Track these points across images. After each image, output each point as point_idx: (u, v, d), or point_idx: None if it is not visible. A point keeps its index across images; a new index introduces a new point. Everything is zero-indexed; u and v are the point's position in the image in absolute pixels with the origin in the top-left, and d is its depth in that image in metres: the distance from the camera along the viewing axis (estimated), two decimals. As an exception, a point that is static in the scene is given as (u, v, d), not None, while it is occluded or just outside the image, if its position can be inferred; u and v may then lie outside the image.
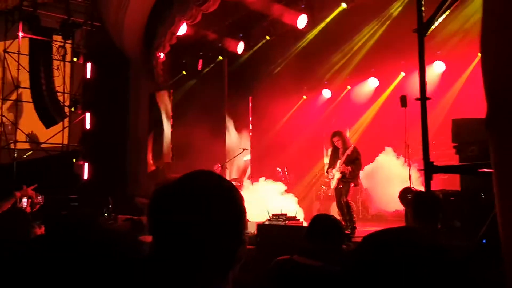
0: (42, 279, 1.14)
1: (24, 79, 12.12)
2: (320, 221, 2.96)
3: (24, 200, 4.86)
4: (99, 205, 9.37)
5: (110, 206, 9.50)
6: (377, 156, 9.88)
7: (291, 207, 8.40)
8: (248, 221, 8.35)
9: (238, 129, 13.08)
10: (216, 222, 1.13)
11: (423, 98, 3.82)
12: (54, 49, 12.20)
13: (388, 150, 9.83)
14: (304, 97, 12.88)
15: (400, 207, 6.74)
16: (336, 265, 2.69)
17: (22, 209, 3.97)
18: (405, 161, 7.77)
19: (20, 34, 12.01)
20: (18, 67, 12.23)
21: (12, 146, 12.09)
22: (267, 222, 7.08)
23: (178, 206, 1.13)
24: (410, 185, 7.29)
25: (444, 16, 4.03)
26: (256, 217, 7.47)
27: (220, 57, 13.18)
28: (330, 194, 8.99)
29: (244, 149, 11.57)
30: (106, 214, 9.20)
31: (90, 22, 12.61)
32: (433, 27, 3.94)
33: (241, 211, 1.18)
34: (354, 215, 7.73)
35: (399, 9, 10.03)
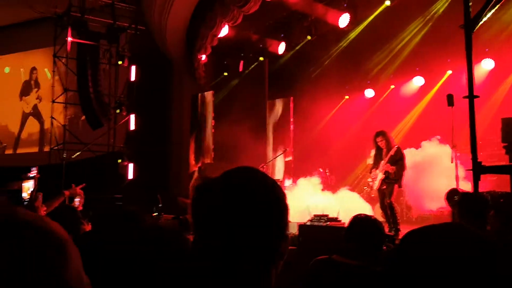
0: (90, 274, 1.17)
1: (72, 82, 12.55)
2: (359, 222, 2.92)
3: (77, 199, 5.03)
4: (147, 203, 9.56)
5: (160, 204, 9.67)
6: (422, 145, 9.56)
7: (333, 207, 8.31)
8: (290, 221, 8.32)
9: (280, 129, 13.06)
10: (258, 218, 1.12)
11: (471, 96, 3.70)
12: (101, 52, 12.57)
13: (434, 141, 9.48)
14: (346, 97, 12.73)
15: (443, 204, 6.55)
16: (375, 265, 2.64)
17: (72, 207, 4.09)
18: (452, 161, 7.53)
19: (69, 39, 12.43)
20: (66, 71, 12.66)
21: (61, 147, 12.52)
22: (308, 223, 7.04)
23: (220, 202, 1.13)
24: (457, 186, 7.08)
25: (492, 11, 3.89)
26: (297, 217, 7.43)
27: (261, 58, 13.22)
28: (372, 195, 8.86)
29: (285, 150, 11.55)
30: (156, 213, 9.36)
31: (135, 26, 12.91)
32: (480, 22, 3.81)
33: (284, 207, 1.17)
34: (398, 217, 7.57)
35: (445, 5, 9.77)
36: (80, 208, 4.81)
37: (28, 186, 4.94)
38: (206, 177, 12.14)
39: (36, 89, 17.22)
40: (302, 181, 10.27)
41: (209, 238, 1.12)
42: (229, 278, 1.09)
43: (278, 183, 1.21)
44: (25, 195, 4.79)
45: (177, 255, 1.88)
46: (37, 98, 16.99)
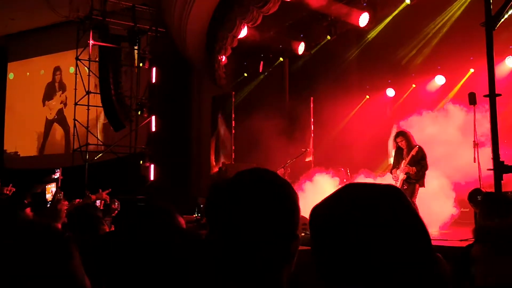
0: (107, 275, 1.20)
1: (95, 85, 12.76)
2: None
3: (97, 202, 5.12)
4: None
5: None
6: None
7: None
8: (308, 220, 8.29)
9: (300, 130, 13.03)
10: (268, 217, 1.13)
11: (492, 94, 3.65)
12: (122, 55, 12.75)
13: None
14: (367, 96, 12.62)
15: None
16: None
17: (94, 205, 4.17)
18: (474, 161, 7.42)
19: (91, 42, 12.63)
20: (89, 73, 12.87)
21: (84, 149, 12.72)
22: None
23: (231, 200, 1.15)
24: (480, 185, 6.98)
25: (514, 7, 3.83)
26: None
27: (281, 59, 13.21)
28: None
29: (305, 150, 11.52)
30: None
31: (155, 28, 13.06)
32: (502, 20, 3.75)
33: (294, 207, 1.18)
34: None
35: (467, 2, 9.62)
36: (102, 207, 4.89)
37: (51, 189, 5.05)
38: (227, 177, 12.21)
39: (60, 92, 16.82)
40: (319, 178, 10.27)
41: (219, 236, 1.14)
42: (240, 276, 1.10)
43: (296, 183, 1.25)
44: (49, 196, 4.90)
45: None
46: (61, 103, 16.59)
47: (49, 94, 17.32)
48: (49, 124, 17.08)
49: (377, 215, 1.03)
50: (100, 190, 5.10)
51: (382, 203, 1.06)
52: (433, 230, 7.56)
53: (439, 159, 8.86)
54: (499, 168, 3.51)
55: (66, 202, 4.21)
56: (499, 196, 3.93)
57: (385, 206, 1.05)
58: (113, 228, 3.13)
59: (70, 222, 3.07)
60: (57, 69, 17.00)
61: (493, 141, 3.63)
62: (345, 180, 10.63)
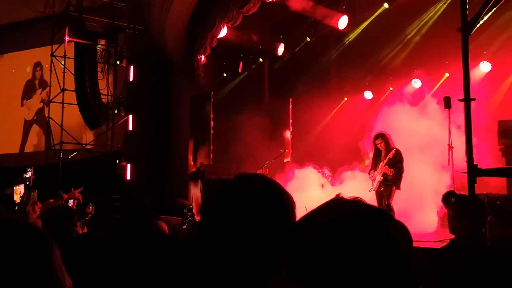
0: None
1: (70, 82, 12.52)
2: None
3: (70, 201, 5.02)
4: (147, 205, 9.51)
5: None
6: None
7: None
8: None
9: (279, 131, 13.06)
10: (266, 224, 1.19)
11: (467, 99, 3.71)
12: (99, 52, 12.56)
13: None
14: (345, 98, 12.73)
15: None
16: None
17: (68, 207, 4.10)
18: (449, 163, 7.56)
19: (66, 38, 12.42)
20: (64, 70, 12.65)
21: (58, 147, 12.49)
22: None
23: (231, 205, 1.21)
24: (454, 188, 7.10)
25: (489, 14, 3.90)
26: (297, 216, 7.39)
27: (261, 59, 13.22)
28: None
29: (284, 151, 11.55)
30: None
31: (133, 25, 12.91)
32: (477, 25, 3.81)
33: (292, 214, 1.25)
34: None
35: (443, 7, 9.78)
36: (74, 207, 4.81)
37: (19, 190, 4.94)
38: (205, 178, 12.15)
39: (40, 90, 15.72)
40: (299, 174, 10.36)
41: (217, 237, 1.19)
42: (245, 266, 1.16)
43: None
44: (17, 197, 4.79)
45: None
46: (41, 102, 15.27)
47: (28, 92, 16.44)
48: (27, 126, 16.19)
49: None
50: (73, 189, 5.01)
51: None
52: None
53: (416, 160, 9.00)
54: (473, 171, 3.56)
55: (40, 205, 4.12)
56: (472, 199, 4.00)
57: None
58: (85, 230, 3.07)
59: (44, 224, 3.01)
60: (38, 64, 16.11)
61: (467, 145, 3.69)
62: (329, 178, 10.74)
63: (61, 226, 2.78)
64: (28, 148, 16.03)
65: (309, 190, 10.33)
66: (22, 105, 16.55)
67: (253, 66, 13.41)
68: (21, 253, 0.95)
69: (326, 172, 11.16)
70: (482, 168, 3.90)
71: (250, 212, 1.19)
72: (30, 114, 16.13)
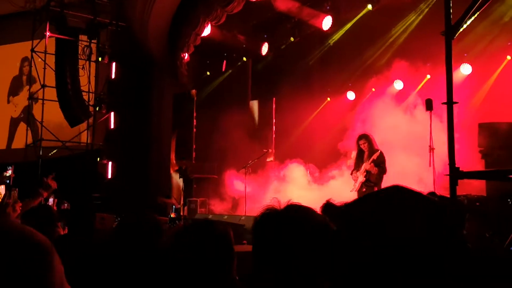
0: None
1: (51, 78, 12.30)
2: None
3: (51, 200, 4.92)
4: (127, 203, 9.42)
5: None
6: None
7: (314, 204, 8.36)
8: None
9: (262, 130, 13.06)
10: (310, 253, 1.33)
11: (449, 102, 3.74)
12: (80, 48, 12.37)
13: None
14: (328, 99, 12.78)
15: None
16: None
17: (48, 207, 4.00)
18: (430, 165, 7.64)
19: (47, 33, 12.22)
20: (44, 66, 12.44)
21: (38, 144, 12.28)
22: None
23: (282, 238, 1.34)
24: (435, 189, 7.17)
25: (472, 18, 3.94)
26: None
27: (244, 58, 13.20)
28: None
29: (267, 151, 11.56)
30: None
31: (116, 22, 12.75)
32: (461, 30, 3.85)
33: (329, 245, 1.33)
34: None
35: (426, 10, 9.88)
36: (55, 208, 4.71)
37: (0, 191, 4.79)
38: (187, 176, 12.08)
39: (28, 86, 14.52)
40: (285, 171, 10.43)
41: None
42: None
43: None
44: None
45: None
46: (28, 98, 13.62)
47: (15, 89, 15.82)
48: (14, 124, 15.58)
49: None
50: (44, 178, 4.74)
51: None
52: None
53: (398, 160, 9.09)
54: (455, 174, 3.60)
55: (20, 203, 4.02)
56: (452, 200, 4.05)
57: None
58: (66, 231, 3.01)
59: (24, 222, 2.93)
60: (25, 59, 15.37)
61: (450, 148, 3.72)
62: (316, 174, 10.82)
63: (40, 228, 2.69)
64: (16, 145, 15.36)
65: (292, 188, 10.39)
66: (8, 102, 16.10)
67: (236, 65, 13.38)
68: (16, 265, 0.91)
69: (309, 170, 11.21)
70: (463, 170, 3.95)
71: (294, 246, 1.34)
72: (17, 111, 15.54)
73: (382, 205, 1.08)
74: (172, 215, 9.27)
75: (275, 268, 1.30)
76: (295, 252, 1.30)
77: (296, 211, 1.39)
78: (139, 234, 2.21)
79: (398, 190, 1.11)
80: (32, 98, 12.68)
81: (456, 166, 3.86)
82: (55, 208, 4.80)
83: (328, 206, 2.31)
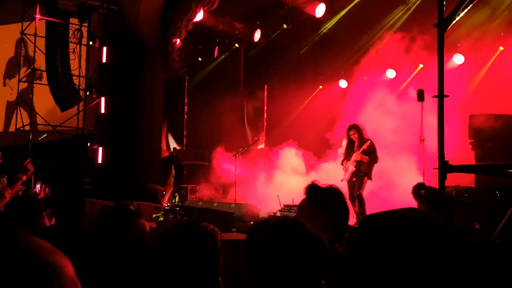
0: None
1: (41, 61, 12.13)
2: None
3: (38, 186, 4.86)
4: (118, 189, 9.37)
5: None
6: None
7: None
8: (260, 211, 8.34)
9: (253, 117, 13.03)
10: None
11: (440, 95, 3.73)
12: (71, 32, 12.19)
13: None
14: (320, 87, 12.75)
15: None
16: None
17: (33, 197, 3.91)
18: (420, 155, 7.67)
19: (37, 16, 12.03)
20: (34, 49, 12.26)
21: (27, 128, 12.16)
22: (278, 214, 7.07)
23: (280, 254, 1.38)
24: (424, 180, 7.21)
25: (465, 11, 3.92)
26: (269, 205, 7.43)
27: (237, 45, 13.10)
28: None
29: (258, 139, 11.54)
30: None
31: (107, 5, 12.56)
32: (453, 22, 3.83)
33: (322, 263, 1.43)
34: (366, 209, 7.68)
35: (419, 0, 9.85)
36: (42, 195, 4.64)
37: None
38: (178, 163, 12.04)
39: (25, 69, 13.80)
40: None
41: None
42: None
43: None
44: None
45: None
46: (26, 81, 12.98)
47: (11, 71, 15.23)
48: (10, 108, 14.82)
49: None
50: (18, 163, 4.48)
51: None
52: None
53: (388, 151, 9.12)
54: (444, 168, 3.61)
55: (9, 190, 3.94)
56: (441, 193, 4.06)
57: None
58: (53, 222, 2.97)
59: (8, 213, 2.87)
60: (20, 40, 13.90)
61: (439, 141, 3.72)
62: (311, 161, 10.83)
63: (24, 219, 2.64)
64: (13, 128, 15.04)
65: (282, 175, 10.40)
66: (4, 84, 15.67)
67: (229, 52, 13.29)
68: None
69: (302, 158, 11.22)
70: (453, 163, 3.96)
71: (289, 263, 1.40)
72: (13, 95, 15.08)
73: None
74: (164, 204, 9.25)
75: (265, 276, 1.35)
76: (284, 266, 1.34)
77: (289, 227, 1.43)
78: (114, 222, 2.21)
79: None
80: (20, 81, 12.49)
81: (446, 158, 3.87)
82: (42, 194, 4.72)
83: (312, 187, 2.32)
